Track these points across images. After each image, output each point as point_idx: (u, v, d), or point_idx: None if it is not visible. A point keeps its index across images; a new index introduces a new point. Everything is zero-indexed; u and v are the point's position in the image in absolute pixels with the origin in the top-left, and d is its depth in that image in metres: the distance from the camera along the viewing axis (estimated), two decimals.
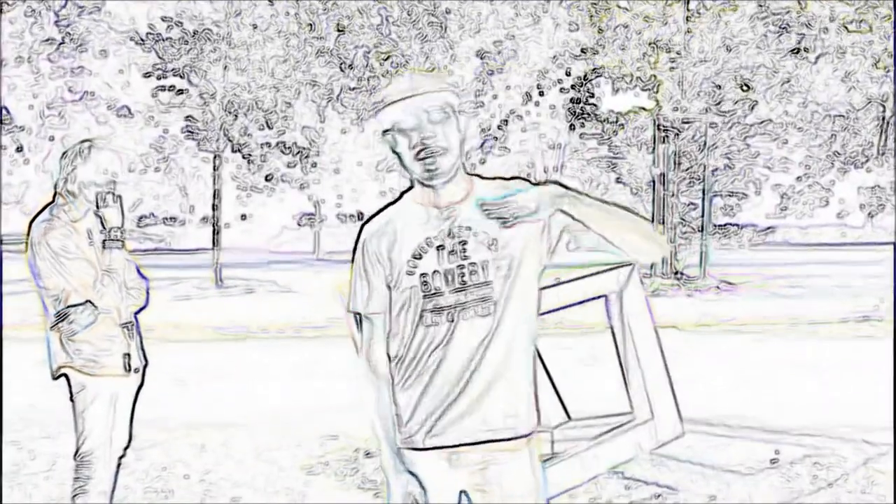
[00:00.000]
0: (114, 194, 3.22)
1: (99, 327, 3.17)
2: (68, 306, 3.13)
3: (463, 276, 2.05)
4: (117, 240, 3.19)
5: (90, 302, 3.14)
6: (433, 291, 2.06)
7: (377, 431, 2.14)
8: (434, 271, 2.06)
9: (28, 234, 3.19)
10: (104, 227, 3.20)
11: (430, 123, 2.05)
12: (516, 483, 2.09)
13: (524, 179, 2.14)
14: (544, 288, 4.17)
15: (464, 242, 2.07)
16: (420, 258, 2.07)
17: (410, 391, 2.09)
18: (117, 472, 3.39)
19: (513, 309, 2.06)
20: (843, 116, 13.47)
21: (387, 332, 2.12)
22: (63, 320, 3.14)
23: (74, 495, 3.29)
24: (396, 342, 2.10)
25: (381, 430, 2.14)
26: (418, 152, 2.05)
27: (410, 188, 2.15)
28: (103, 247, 3.19)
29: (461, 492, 2.12)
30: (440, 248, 2.07)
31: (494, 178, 2.16)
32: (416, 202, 2.12)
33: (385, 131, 2.11)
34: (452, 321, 2.05)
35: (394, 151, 2.11)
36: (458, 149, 2.07)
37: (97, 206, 3.19)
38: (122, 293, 3.21)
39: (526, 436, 2.09)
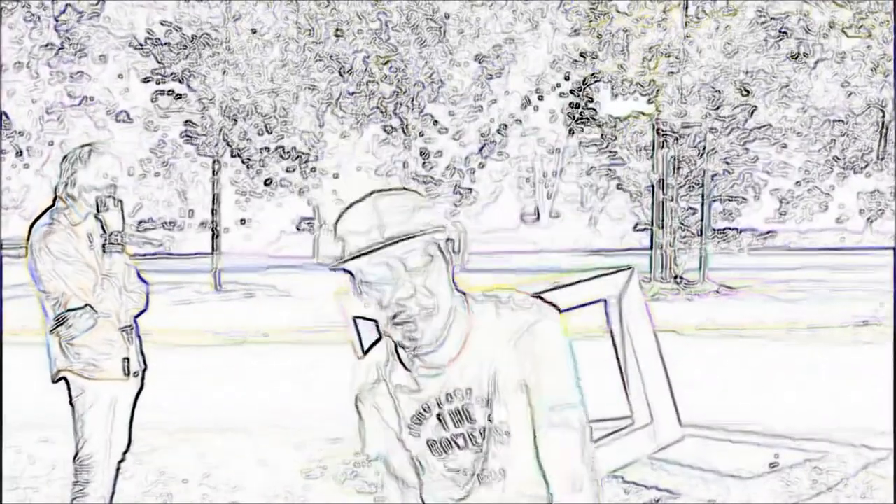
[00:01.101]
0: (114, 198, 3.23)
1: (99, 331, 3.18)
2: (68, 310, 3.14)
3: (474, 439, 1.72)
4: (118, 244, 3.20)
5: (90, 306, 3.15)
6: (443, 454, 1.75)
7: None
8: (440, 438, 1.73)
9: (28, 237, 3.21)
10: (105, 231, 3.21)
11: (408, 273, 1.55)
12: None
13: (521, 292, 1.74)
14: (543, 292, 4.18)
15: (467, 405, 1.70)
16: (420, 424, 1.75)
17: None
18: (116, 477, 3.39)
19: (523, 458, 1.70)
20: (842, 121, 13.49)
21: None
22: (62, 324, 3.14)
23: (74, 499, 3.29)
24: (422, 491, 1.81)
25: None
26: (395, 315, 1.57)
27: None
28: (103, 251, 3.20)
29: None
30: (439, 415, 1.72)
31: (489, 294, 1.71)
32: (401, 360, 1.73)
33: (345, 270, 1.61)
34: (476, 479, 1.73)
35: (360, 297, 1.65)
36: (450, 298, 1.60)
37: (98, 210, 3.20)
38: (122, 297, 3.22)
39: None
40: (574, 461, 1.63)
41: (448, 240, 1.59)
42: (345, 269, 1.59)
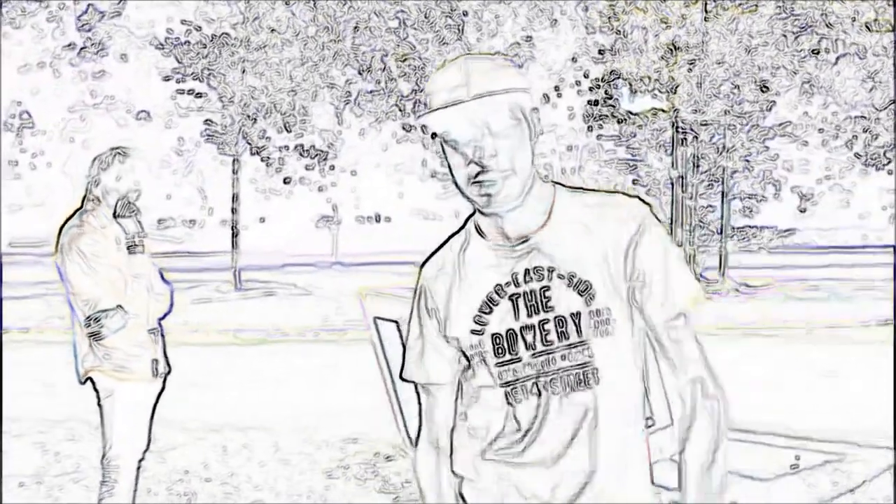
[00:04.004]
0: (132, 204, 3.27)
1: (129, 333, 3.23)
2: (98, 311, 3.19)
3: (547, 336, 1.50)
4: (139, 245, 3.26)
5: (120, 306, 3.20)
6: (509, 358, 1.53)
7: None
8: (508, 330, 1.52)
9: (58, 238, 3.26)
10: (126, 234, 3.26)
11: (492, 136, 1.48)
12: None
13: (625, 194, 1.56)
14: None
15: (546, 289, 1.51)
16: (490, 312, 1.53)
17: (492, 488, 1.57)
18: (137, 476, 3.43)
19: (618, 377, 1.51)
20: (864, 117, 13.37)
21: (452, 405, 1.61)
22: (94, 324, 3.19)
23: (101, 499, 3.33)
24: (463, 421, 1.61)
25: None
26: (475, 175, 1.49)
27: (473, 213, 1.60)
28: (129, 252, 3.26)
29: None
30: (514, 297, 1.52)
31: (589, 190, 1.58)
32: (481, 234, 1.57)
33: (433, 135, 1.55)
34: (539, 395, 1.51)
35: (445, 159, 1.57)
36: (530, 164, 1.51)
37: (114, 214, 3.25)
38: (150, 298, 3.27)
39: None
40: (702, 365, 1.56)
41: (533, 109, 1.53)
42: (433, 133, 1.54)
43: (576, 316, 1.50)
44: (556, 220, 1.53)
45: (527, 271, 1.52)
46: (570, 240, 1.52)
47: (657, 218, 1.53)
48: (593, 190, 1.57)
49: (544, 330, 1.51)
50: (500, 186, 1.49)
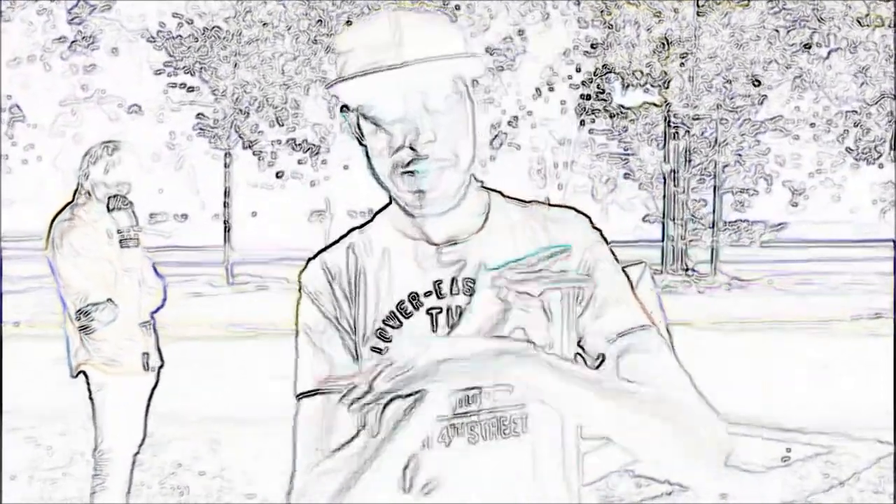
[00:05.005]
0: (125, 198, 3.27)
1: (119, 326, 3.23)
2: (89, 304, 3.19)
3: None
4: (133, 238, 3.26)
5: (110, 300, 3.20)
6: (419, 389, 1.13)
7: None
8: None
9: (49, 232, 3.25)
10: (119, 227, 3.26)
11: (429, 114, 1.14)
12: None
13: (577, 210, 1.25)
14: None
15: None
16: (398, 327, 1.19)
17: None
18: (132, 469, 3.43)
19: (552, 427, 1.19)
20: (855, 112, 13.42)
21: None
22: (84, 317, 3.19)
23: (94, 492, 3.33)
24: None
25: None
26: (406, 163, 1.15)
27: (388, 205, 1.26)
28: (120, 246, 3.25)
29: None
30: (434, 312, 1.18)
31: (529, 202, 1.26)
32: (398, 230, 1.23)
33: (343, 108, 1.21)
34: (449, 443, 1.17)
35: (359, 142, 1.22)
36: (472, 154, 1.19)
37: (108, 209, 3.25)
38: (141, 292, 3.27)
39: None
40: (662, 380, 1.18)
41: (474, 81, 1.20)
42: (344, 107, 1.20)
43: None
44: (494, 225, 1.22)
45: (454, 281, 1.18)
46: (509, 251, 1.19)
47: (605, 240, 1.24)
48: (537, 202, 1.27)
49: None
50: (437, 181, 1.15)
